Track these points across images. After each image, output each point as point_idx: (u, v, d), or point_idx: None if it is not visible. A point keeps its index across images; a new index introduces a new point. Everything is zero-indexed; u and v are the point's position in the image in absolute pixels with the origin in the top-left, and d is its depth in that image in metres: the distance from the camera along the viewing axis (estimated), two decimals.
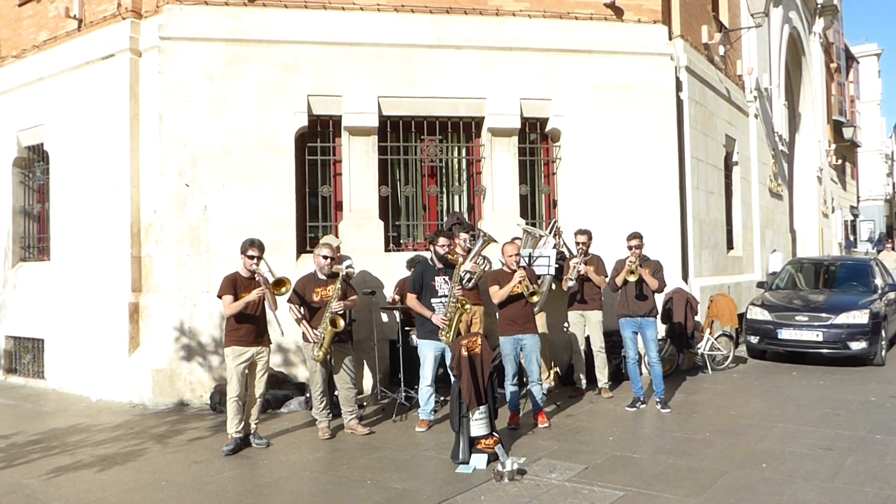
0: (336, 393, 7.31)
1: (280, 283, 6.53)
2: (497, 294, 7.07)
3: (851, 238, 33.77)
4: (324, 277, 7.09)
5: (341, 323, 6.84)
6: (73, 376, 9.69)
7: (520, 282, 6.96)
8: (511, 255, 7.13)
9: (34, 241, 11.18)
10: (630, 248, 7.98)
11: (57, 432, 7.49)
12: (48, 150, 10.54)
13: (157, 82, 8.99)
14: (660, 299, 9.70)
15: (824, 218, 23.20)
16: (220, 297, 6.68)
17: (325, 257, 7.06)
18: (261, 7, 9.20)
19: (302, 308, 6.98)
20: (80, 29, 10.14)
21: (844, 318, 10.47)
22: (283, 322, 6.96)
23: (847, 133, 29.73)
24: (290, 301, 6.96)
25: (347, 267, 8.01)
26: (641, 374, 8.21)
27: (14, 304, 10.78)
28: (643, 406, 7.92)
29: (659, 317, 9.78)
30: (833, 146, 25.94)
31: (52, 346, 10.11)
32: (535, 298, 7.05)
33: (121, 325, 9.15)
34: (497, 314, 7.52)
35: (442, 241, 7.45)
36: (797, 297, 11.75)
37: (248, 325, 6.65)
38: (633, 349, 8.00)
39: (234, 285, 6.62)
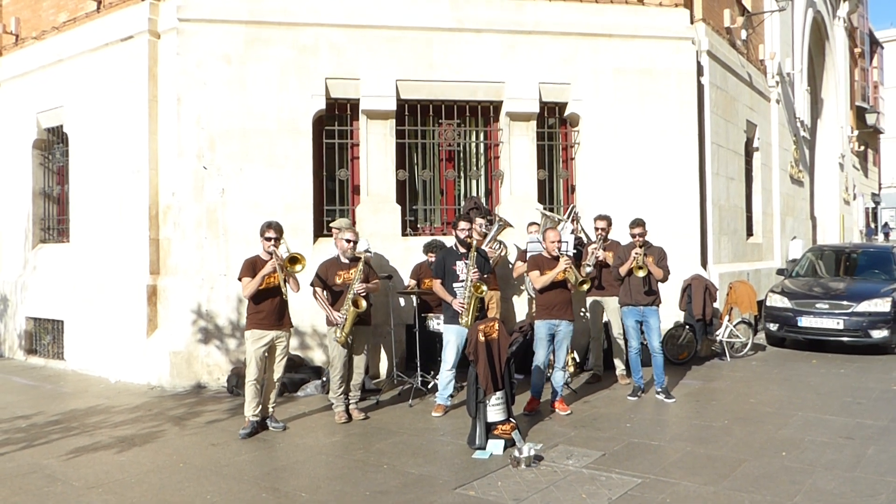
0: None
1: (294, 259, 6.50)
2: (539, 280, 7.00)
3: (872, 226, 33.37)
4: (346, 261, 7.11)
5: (363, 303, 6.85)
6: (92, 357, 9.77)
7: (565, 269, 6.92)
8: (553, 242, 7.07)
9: (54, 223, 11.25)
10: (633, 236, 7.76)
11: (76, 413, 7.56)
12: (67, 132, 10.57)
13: (175, 64, 8.98)
14: (678, 285, 9.65)
15: (845, 205, 22.94)
16: (240, 279, 6.69)
17: (349, 241, 7.08)
18: None
19: (325, 292, 6.99)
20: (100, 10, 10.13)
21: (866, 306, 10.35)
22: (298, 302, 6.86)
23: (870, 119, 29.33)
24: (313, 285, 7.01)
25: (365, 250, 7.99)
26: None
27: (34, 285, 10.86)
28: (643, 395, 7.81)
29: (678, 303, 9.75)
30: (855, 132, 25.60)
31: (71, 327, 10.19)
32: (585, 287, 7.00)
33: (139, 307, 9.20)
34: (535, 299, 7.46)
35: (462, 225, 7.40)
36: (817, 285, 11.63)
37: (269, 309, 6.64)
38: (635, 339, 7.85)
39: (253, 268, 6.61)
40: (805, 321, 10.60)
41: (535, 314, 7.26)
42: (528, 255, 7.87)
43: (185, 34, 8.88)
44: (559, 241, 7.11)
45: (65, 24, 10.70)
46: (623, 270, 7.75)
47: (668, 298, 9.19)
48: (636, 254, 7.62)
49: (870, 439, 6.14)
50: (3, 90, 11.72)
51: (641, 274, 7.58)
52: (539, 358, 7.09)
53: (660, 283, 7.86)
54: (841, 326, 10.36)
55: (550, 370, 7.34)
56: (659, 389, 7.80)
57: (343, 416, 6.97)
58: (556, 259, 7.03)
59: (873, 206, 34.27)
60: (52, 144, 11.19)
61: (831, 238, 20.82)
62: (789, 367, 9.68)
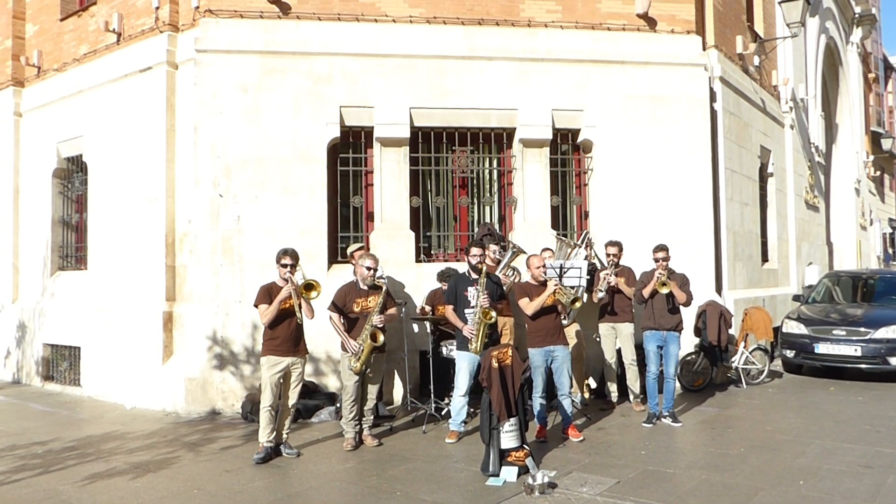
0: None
1: (309, 286, 6.53)
2: (530, 306, 7.00)
3: (890, 251, 33.04)
4: (365, 288, 7.12)
5: (381, 338, 6.86)
6: (108, 384, 9.83)
7: (554, 291, 6.92)
8: (538, 268, 7.10)
9: (72, 251, 11.39)
10: (656, 260, 7.85)
11: (92, 439, 7.60)
12: (87, 161, 10.76)
13: (192, 94, 9.13)
14: (693, 312, 9.59)
15: (862, 230, 22.76)
16: (256, 306, 6.74)
17: (369, 268, 7.09)
18: (294, 20, 9.30)
19: (341, 318, 7.01)
20: (119, 42, 10.35)
21: (884, 333, 10.23)
22: (313, 329, 6.89)
23: (885, 144, 29.17)
24: (330, 309, 7.02)
25: (379, 276, 8.02)
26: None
27: (52, 312, 10.98)
28: (658, 422, 7.76)
29: (692, 329, 9.68)
30: (871, 157, 25.47)
31: (88, 353, 10.26)
32: (578, 304, 6.99)
33: (155, 333, 9.27)
34: (526, 326, 7.46)
35: (475, 251, 7.42)
36: (834, 311, 11.52)
37: (285, 335, 6.67)
38: (655, 363, 7.85)
39: (269, 295, 6.65)
40: (822, 348, 10.49)
41: (528, 342, 7.20)
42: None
43: (203, 65, 9.04)
44: (543, 267, 7.13)
45: (85, 56, 10.93)
46: (647, 291, 7.78)
47: (684, 325, 9.14)
48: (660, 273, 7.67)
49: (889, 468, 6.05)
50: (24, 121, 11.97)
51: (665, 291, 7.60)
52: (537, 386, 7.04)
53: (682, 308, 7.87)
54: (858, 353, 10.24)
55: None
56: (666, 413, 7.77)
57: (351, 443, 6.94)
58: (543, 284, 7.04)
59: (890, 231, 33.96)
60: (72, 173, 11.38)
61: (848, 264, 20.64)
62: (806, 394, 9.57)
